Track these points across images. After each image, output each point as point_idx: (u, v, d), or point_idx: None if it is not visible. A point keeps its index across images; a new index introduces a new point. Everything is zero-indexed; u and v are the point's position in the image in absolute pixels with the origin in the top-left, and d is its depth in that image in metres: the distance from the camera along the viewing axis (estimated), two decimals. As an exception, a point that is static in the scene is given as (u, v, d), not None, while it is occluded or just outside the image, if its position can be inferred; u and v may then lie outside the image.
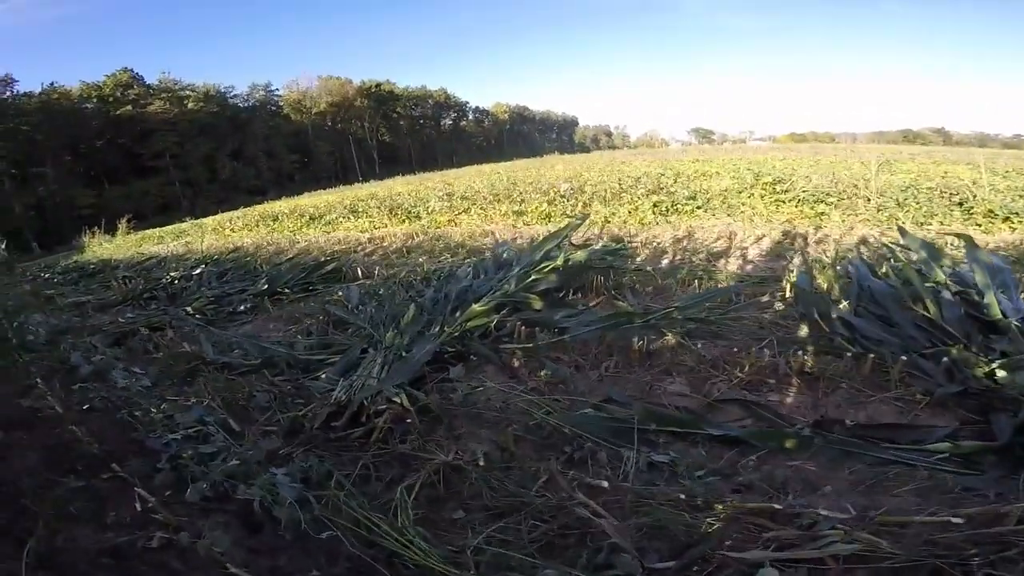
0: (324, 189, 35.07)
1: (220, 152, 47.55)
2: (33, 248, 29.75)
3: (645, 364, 3.29)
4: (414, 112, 77.85)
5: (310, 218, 12.42)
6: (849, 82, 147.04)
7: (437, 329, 3.58)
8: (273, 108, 58.84)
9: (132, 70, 47.11)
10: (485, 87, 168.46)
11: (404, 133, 75.10)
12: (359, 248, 8.83)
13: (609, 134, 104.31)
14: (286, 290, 5.84)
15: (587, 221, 5.18)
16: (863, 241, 6.42)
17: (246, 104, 56.20)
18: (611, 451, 2.32)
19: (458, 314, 3.77)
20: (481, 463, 2.25)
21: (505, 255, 5.15)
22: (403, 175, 38.11)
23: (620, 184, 8.93)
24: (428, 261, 6.90)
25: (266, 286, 5.82)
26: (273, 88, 60.06)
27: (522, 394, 2.95)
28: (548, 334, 3.58)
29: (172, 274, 7.70)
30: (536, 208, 8.88)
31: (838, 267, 4.61)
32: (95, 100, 44.12)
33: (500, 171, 20.18)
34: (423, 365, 3.13)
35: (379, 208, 11.26)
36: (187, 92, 49.58)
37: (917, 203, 7.80)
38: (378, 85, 70.19)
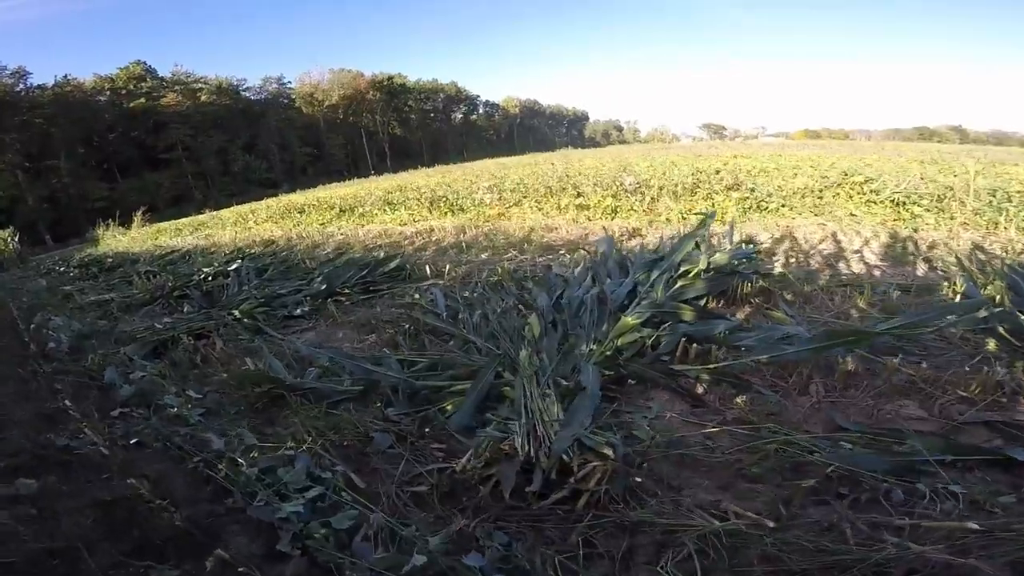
0: (337, 182, 34.30)
1: (233, 145, 46.88)
2: (46, 241, 29.14)
3: (860, 386, 2.53)
4: (425, 106, 76.90)
5: (340, 210, 11.59)
6: (860, 79, 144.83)
7: (586, 347, 2.73)
8: (285, 101, 58.04)
9: (145, 63, 46.66)
10: (495, 81, 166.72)
11: (415, 127, 74.21)
12: (406, 243, 7.99)
13: (620, 129, 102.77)
14: (345, 290, 5.01)
15: (707, 219, 4.35)
16: (978, 247, 5.55)
17: (259, 97, 55.50)
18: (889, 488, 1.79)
19: (604, 327, 2.92)
20: (771, 524, 1.62)
21: (615, 256, 4.30)
22: (418, 168, 37.22)
23: (695, 178, 8.02)
24: (493, 258, 6.07)
25: (324, 285, 4.98)
26: (286, 81, 59.37)
27: (729, 428, 2.22)
28: (725, 352, 2.75)
29: (205, 270, 6.88)
30: (599, 202, 8.01)
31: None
32: (108, 93, 43.64)
33: (532, 162, 19.28)
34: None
35: (418, 200, 10.39)
36: (200, 85, 48.98)
37: (1014, 206, 6.93)
38: (390, 78, 69.28)
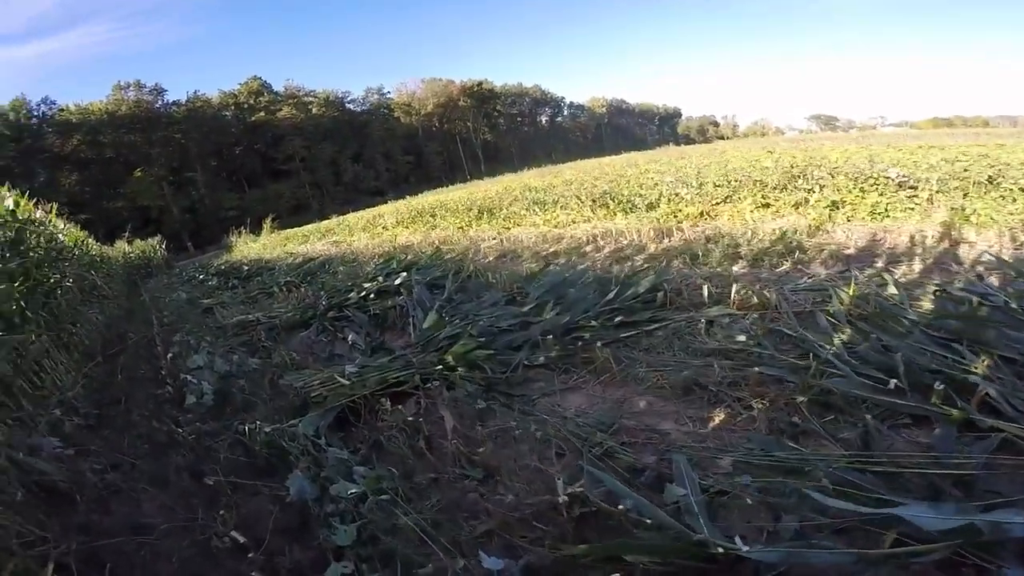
0: (437, 188, 33.74)
1: (342, 155, 48.34)
2: (188, 248, 31.12)
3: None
4: (512, 110, 76.04)
5: (479, 211, 10.08)
6: (993, 61, 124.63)
7: None
8: (385, 111, 59.43)
9: (261, 78, 49.17)
10: (579, 81, 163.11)
11: (504, 131, 73.54)
12: (589, 249, 6.19)
13: (716, 124, 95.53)
14: (591, 322, 3.22)
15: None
16: None
17: (362, 108, 57.22)
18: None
19: None
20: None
21: None
22: (527, 169, 35.79)
23: (996, 169, 5.44)
24: (766, 272, 4.07)
25: (565, 318, 3.23)
26: (385, 91, 60.88)
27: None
28: None
29: (366, 285, 5.44)
30: (857, 199, 5.70)
31: None
32: (232, 108, 46.44)
33: (658, 159, 16.92)
34: None
35: (578, 198, 8.57)
36: (310, 98, 51.09)
37: None
38: (479, 84, 69.15)
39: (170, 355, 4.52)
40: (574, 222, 8.02)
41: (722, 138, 75.87)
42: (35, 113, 36.14)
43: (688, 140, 75.27)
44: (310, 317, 5.12)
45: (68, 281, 5.38)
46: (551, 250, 6.54)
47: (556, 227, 7.99)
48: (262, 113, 46.41)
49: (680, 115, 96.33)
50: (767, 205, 6.13)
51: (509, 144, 71.21)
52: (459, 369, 2.93)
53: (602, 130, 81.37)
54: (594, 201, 8.28)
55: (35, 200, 5.99)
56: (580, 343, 3.05)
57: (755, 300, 3.23)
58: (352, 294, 5.31)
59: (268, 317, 5.25)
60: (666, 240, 5.91)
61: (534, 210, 8.99)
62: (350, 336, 4.38)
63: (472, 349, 3.01)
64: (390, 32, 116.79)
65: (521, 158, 61.87)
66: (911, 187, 5.89)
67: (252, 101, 47.10)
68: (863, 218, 5.54)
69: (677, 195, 7.01)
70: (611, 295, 3.45)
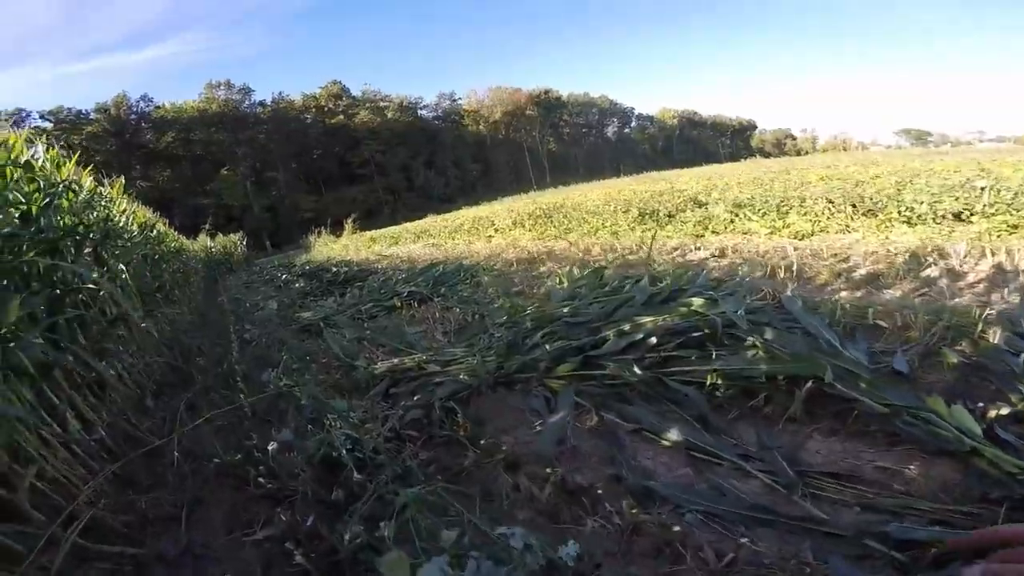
0: (505, 196, 31.41)
1: (415, 161, 47.48)
2: (267, 246, 30.38)
3: None
4: (578, 119, 73.68)
5: (640, 214, 7.42)
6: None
7: None
8: (456, 118, 58.50)
9: (340, 82, 49.42)
10: (649, 92, 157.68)
11: (569, 141, 71.19)
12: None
13: (792, 137, 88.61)
14: None
15: None
16: None
17: (433, 114, 56.55)
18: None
19: None
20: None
21: None
22: (616, 177, 33.18)
23: None
24: None
25: None
26: (457, 98, 60.11)
27: None
28: None
29: (566, 309, 2.97)
30: None
31: None
32: (313, 110, 46.60)
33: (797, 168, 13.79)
34: None
35: (828, 201, 5.75)
36: (385, 103, 50.86)
37: None
38: (546, 92, 67.61)
39: (261, 438, 2.20)
40: (822, 230, 5.26)
41: (799, 153, 69.94)
42: (134, 110, 37.27)
43: (764, 154, 69.71)
44: (515, 370, 2.61)
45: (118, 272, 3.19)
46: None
47: (799, 237, 5.22)
48: (341, 116, 46.48)
49: (755, 128, 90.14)
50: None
51: (575, 154, 68.83)
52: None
53: (672, 142, 77.26)
54: (854, 206, 5.46)
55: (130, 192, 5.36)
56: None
57: None
58: (519, 326, 2.80)
59: (440, 363, 2.79)
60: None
61: (744, 215, 6.26)
62: (671, 434, 1.87)
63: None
64: (459, 38, 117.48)
65: (588, 169, 59.19)
66: None
67: (331, 104, 47.33)
68: None
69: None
70: None
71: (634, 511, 1.54)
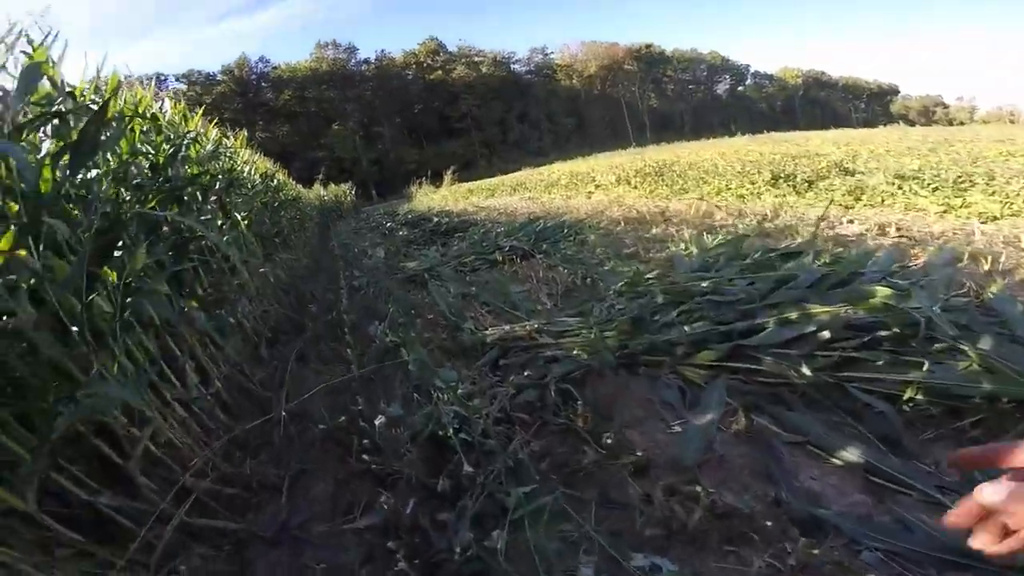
0: (601, 152, 29.70)
1: (509, 115, 47.15)
2: (373, 196, 32.08)
3: None
4: (685, 76, 67.64)
5: (773, 177, 6.40)
6: None
7: None
8: (548, 72, 56.77)
9: (436, 38, 49.83)
10: (765, 50, 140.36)
11: (674, 97, 65.86)
12: None
13: (944, 105, 74.32)
14: None
15: None
16: None
17: (526, 68, 55.62)
18: None
19: None
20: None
21: None
22: (730, 137, 30.42)
23: None
24: None
25: None
26: (549, 52, 58.52)
27: None
28: None
29: (705, 283, 2.47)
30: None
31: None
32: (413, 67, 47.62)
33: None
34: None
35: None
36: (480, 58, 50.53)
37: None
38: (648, 46, 63.06)
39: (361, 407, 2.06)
40: (1014, 214, 4.08)
41: (952, 123, 58.62)
42: (254, 71, 40.48)
43: (908, 121, 59.44)
44: (641, 351, 2.20)
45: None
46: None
47: (982, 219, 4.11)
48: (439, 72, 46.90)
49: (896, 92, 76.72)
50: None
51: (680, 112, 63.81)
52: None
53: (794, 102, 68.56)
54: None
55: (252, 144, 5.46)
56: None
57: None
58: (721, 310, 2.32)
59: (551, 333, 2.49)
60: None
61: (910, 188, 5.13)
62: (848, 453, 1.43)
63: None
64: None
65: (694, 128, 54.72)
66: None
67: (430, 60, 47.94)
68: None
69: None
70: None
71: (811, 551, 1.17)
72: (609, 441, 1.72)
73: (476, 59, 50.46)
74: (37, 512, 0.92)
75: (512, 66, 54.17)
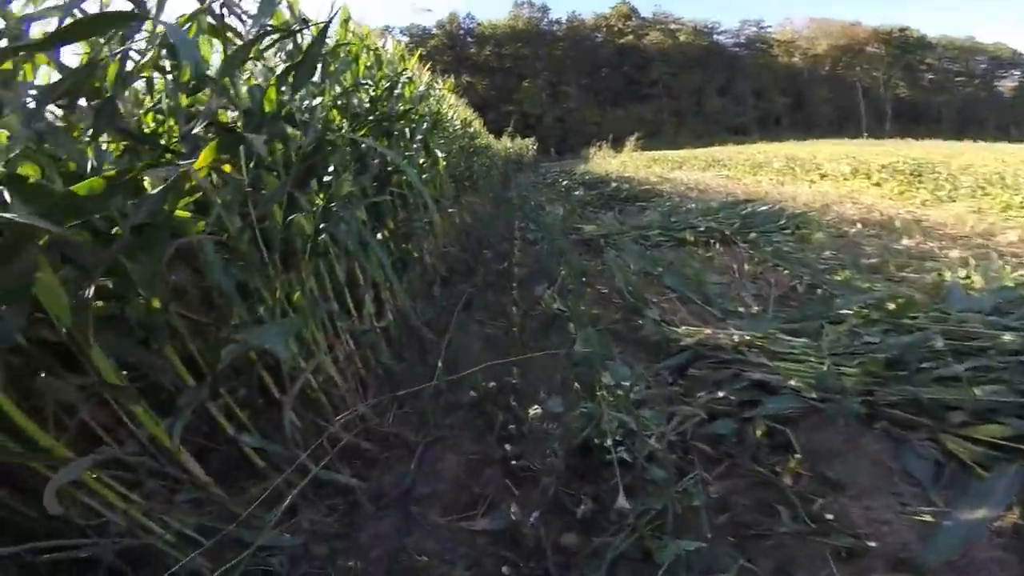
0: (823, 139, 24.72)
1: (709, 86, 43.65)
2: (551, 153, 32.53)
3: None
4: (952, 66, 54.08)
5: None
6: None
7: None
8: (761, 46, 51.04)
9: (629, 3, 48.86)
10: None
11: (932, 88, 53.09)
12: None
13: None
14: None
15: None
16: None
17: (734, 40, 51.22)
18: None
19: None
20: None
21: None
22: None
23: None
24: None
25: None
26: (765, 25, 52.70)
27: None
28: None
29: (1008, 336, 1.63)
30: None
31: None
32: (604, 30, 47.27)
33: None
34: None
35: None
36: (677, 26, 48.63)
37: None
38: (902, 30, 53.29)
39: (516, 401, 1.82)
40: None
41: None
42: (462, 27, 43.92)
43: None
44: (889, 403, 1.52)
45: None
46: None
47: None
48: (630, 36, 46.10)
49: None
50: None
51: (937, 104, 51.53)
52: None
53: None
54: None
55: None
56: None
57: None
58: None
59: (767, 352, 1.95)
60: None
61: None
62: None
63: None
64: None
65: (956, 125, 43.45)
66: None
67: (621, 24, 47.49)
68: None
69: None
70: None
71: None
72: (824, 512, 1.22)
73: (672, 27, 48.69)
74: (177, 450, 0.86)
75: (715, 36, 50.53)
